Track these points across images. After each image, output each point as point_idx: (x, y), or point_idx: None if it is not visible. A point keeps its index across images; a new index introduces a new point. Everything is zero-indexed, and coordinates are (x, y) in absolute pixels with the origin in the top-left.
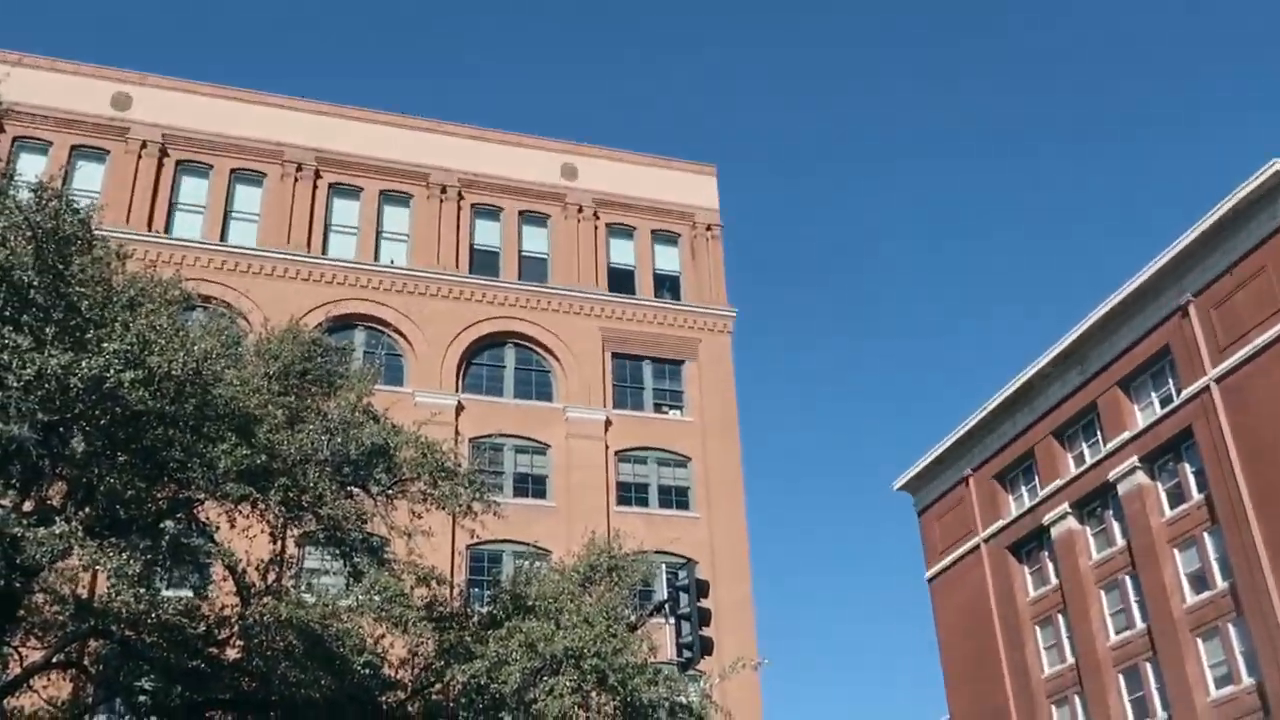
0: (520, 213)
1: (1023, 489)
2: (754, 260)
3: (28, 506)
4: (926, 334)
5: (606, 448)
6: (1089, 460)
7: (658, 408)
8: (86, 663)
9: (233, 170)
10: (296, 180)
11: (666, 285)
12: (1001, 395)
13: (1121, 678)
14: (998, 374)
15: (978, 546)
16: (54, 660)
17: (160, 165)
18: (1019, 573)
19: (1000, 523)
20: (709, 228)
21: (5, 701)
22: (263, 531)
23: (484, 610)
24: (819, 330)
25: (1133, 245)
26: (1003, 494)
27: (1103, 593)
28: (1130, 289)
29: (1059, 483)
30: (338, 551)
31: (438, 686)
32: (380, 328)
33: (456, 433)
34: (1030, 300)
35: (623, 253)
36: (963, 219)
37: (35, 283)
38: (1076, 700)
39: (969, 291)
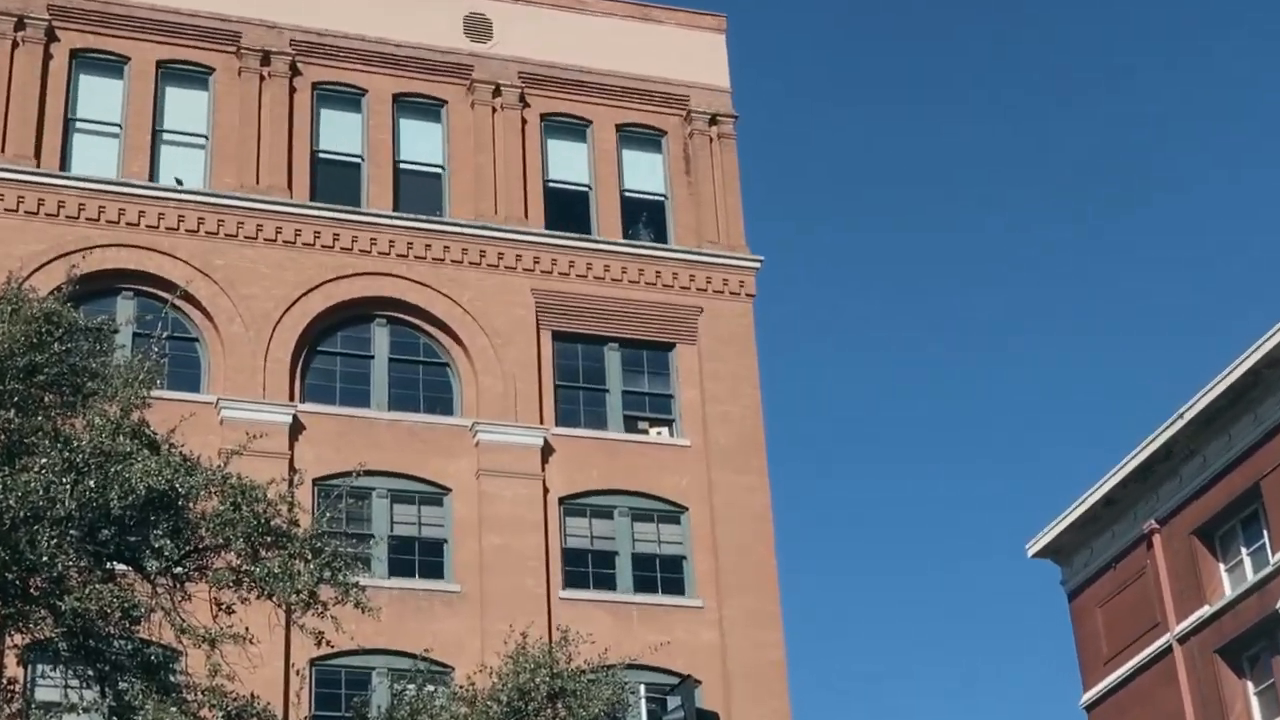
0: (396, 98)
1: (1243, 552)
2: (789, 179)
3: None
4: (1075, 301)
5: (546, 491)
6: None
7: (631, 423)
8: None
9: None
10: (17, 45)
11: (644, 218)
12: (1206, 396)
13: None
14: (1202, 367)
15: (1169, 649)
16: None
17: None
18: (1239, 691)
19: (1206, 609)
20: (714, 120)
21: None
22: None
23: None
24: (899, 294)
25: None
26: (1210, 561)
27: None
28: None
29: None
30: (91, 672)
31: None
32: (161, 293)
33: (292, 469)
34: (1250, 251)
35: (570, 163)
36: (1137, 99)
37: None
38: None
39: (1150, 234)
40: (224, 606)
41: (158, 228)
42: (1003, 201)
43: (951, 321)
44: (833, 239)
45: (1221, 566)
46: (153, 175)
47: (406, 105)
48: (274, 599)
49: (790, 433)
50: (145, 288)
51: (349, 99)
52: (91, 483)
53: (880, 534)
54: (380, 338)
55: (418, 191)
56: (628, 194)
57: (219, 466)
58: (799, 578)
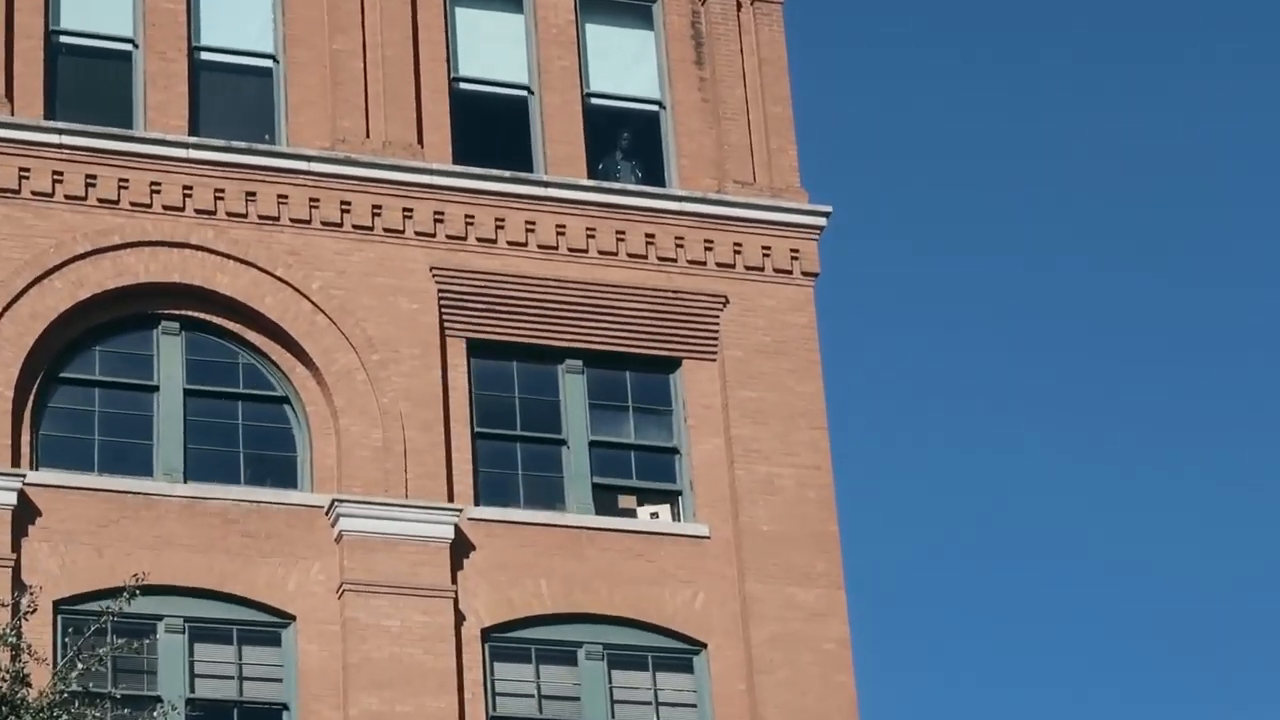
0: None
1: None
2: (871, 73)
3: None
4: None
5: (460, 619)
6: None
7: (608, 499)
8: None
9: None
10: None
11: (625, 143)
12: None
13: None
14: None
15: None
16: None
17: None
18: None
19: None
20: None
21: None
22: None
23: None
24: (1053, 265)
25: None
26: None
27: None
28: None
29: None
30: None
31: None
32: None
33: (19, 585)
34: None
35: (495, 49)
36: None
37: None
38: None
39: None
40: None
41: None
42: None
43: (1133, 300)
44: (936, 181)
45: None
46: None
47: None
48: None
49: (876, 509)
50: None
51: None
52: None
53: (1044, 675)
54: (170, 355)
55: (233, 100)
56: (596, 101)
57: None
58: None
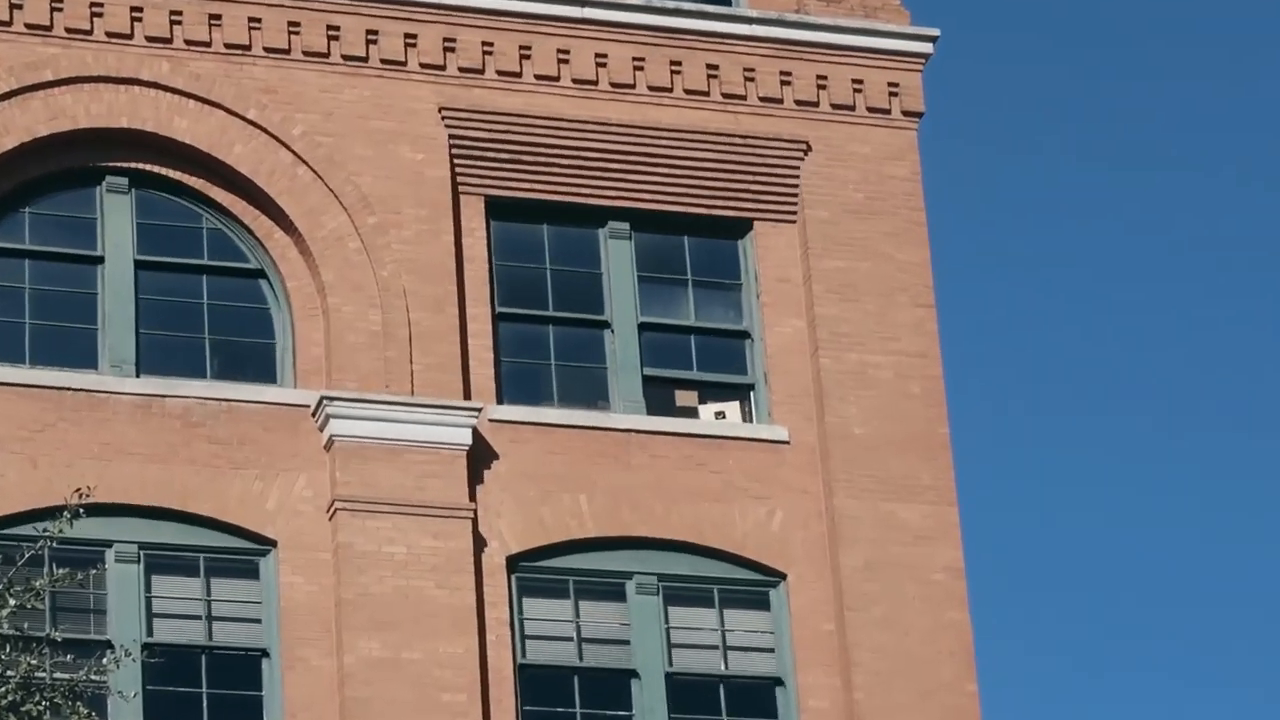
0: None
1: None
2: None
3: None
4: None
5: (480, 545)
6: None
7: (662, 395)
8: None
9: None
10: None
11: None
12: None
13: None
14: None
15: None
16: None
17: None
18: None
19: None
20: None
21: None
22: None
23: None
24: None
25: None
26: None
27: None
28: None
29: None
30: None
31: None
32: None
33: None
34: None
35: None
36: None
37: None
38: None
39: None
40: None
41: None
42: None
43: None
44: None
45: None
46: None
47: None
48: None
49: (995, 406)
50: None
51: None
52: None
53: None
54: (117, 219)
55: None
56: None
57: None
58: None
